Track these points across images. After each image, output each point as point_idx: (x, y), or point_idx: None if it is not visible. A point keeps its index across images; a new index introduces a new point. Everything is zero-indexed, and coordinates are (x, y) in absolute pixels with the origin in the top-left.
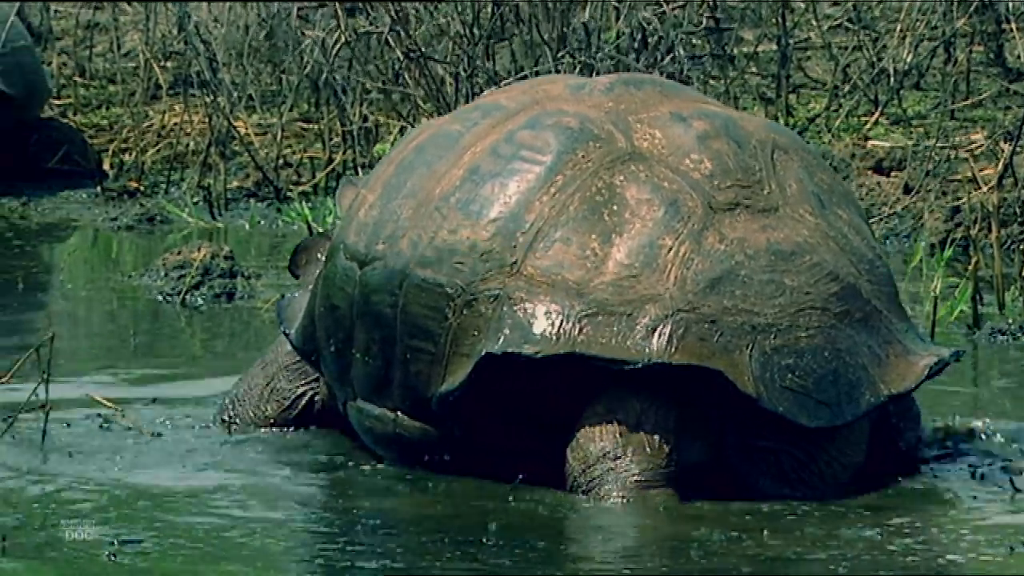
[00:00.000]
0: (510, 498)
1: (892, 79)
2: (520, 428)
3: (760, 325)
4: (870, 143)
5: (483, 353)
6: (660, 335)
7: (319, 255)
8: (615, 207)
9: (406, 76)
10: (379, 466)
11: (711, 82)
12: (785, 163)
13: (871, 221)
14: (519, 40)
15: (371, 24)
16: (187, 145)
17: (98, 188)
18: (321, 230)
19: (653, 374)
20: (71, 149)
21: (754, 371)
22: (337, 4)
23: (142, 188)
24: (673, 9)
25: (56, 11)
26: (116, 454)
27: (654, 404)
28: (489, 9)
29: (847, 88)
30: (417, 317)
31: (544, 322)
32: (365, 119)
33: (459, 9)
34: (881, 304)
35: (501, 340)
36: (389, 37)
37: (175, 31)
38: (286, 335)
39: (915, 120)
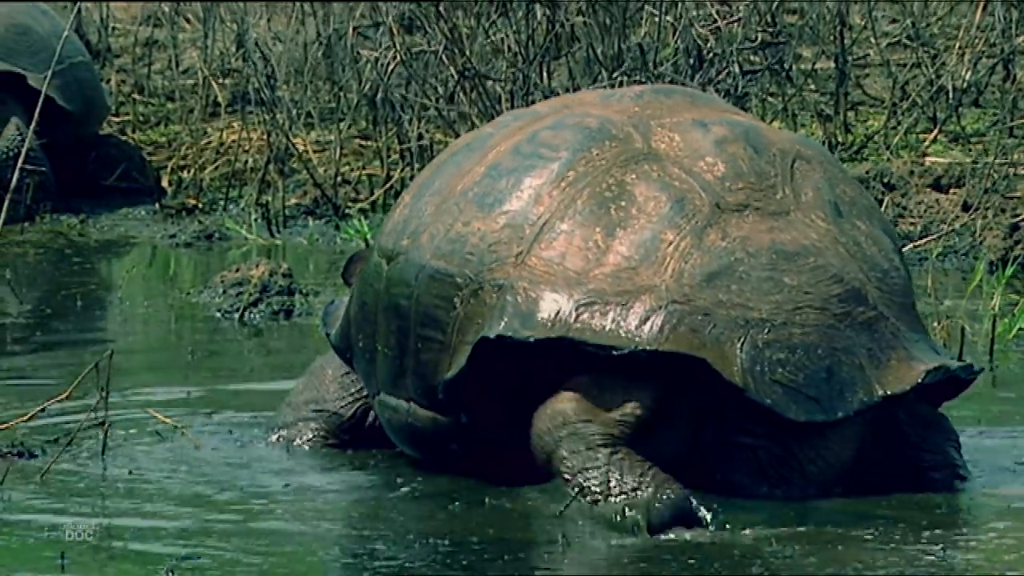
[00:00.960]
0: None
1: (951, 96)
2: (523, 416)
3: (754, 320)
4: (928, 160)
5: (480, 337)
6: (652, 324)
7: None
8: (623, 203)
9: (461, 94)
10: (433, 482)
11: (769, 99)
12: (805, 172)
13: (929, 238)
14: (575, 57)
15: (427, 43)
16: (245, 162)
17: (157, 205)
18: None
19: (641, 362)
20: (130, 166)
21: (743, 362)
22: (392, 23)
23: (200, 205)
24: (728, 25)
25: (114, 28)
26: (175, 470)
27: (633, 386)
28: (544, 27)
29: (905, 105)
30: (429, 307)
31: (542, 309)
32: (422, 136)
33: (514, 27)
34: (890, 311)
35: (500, 326)
36: (444, 55)
37: (233, 48)
38: (327, 335)
39: (974, 137)
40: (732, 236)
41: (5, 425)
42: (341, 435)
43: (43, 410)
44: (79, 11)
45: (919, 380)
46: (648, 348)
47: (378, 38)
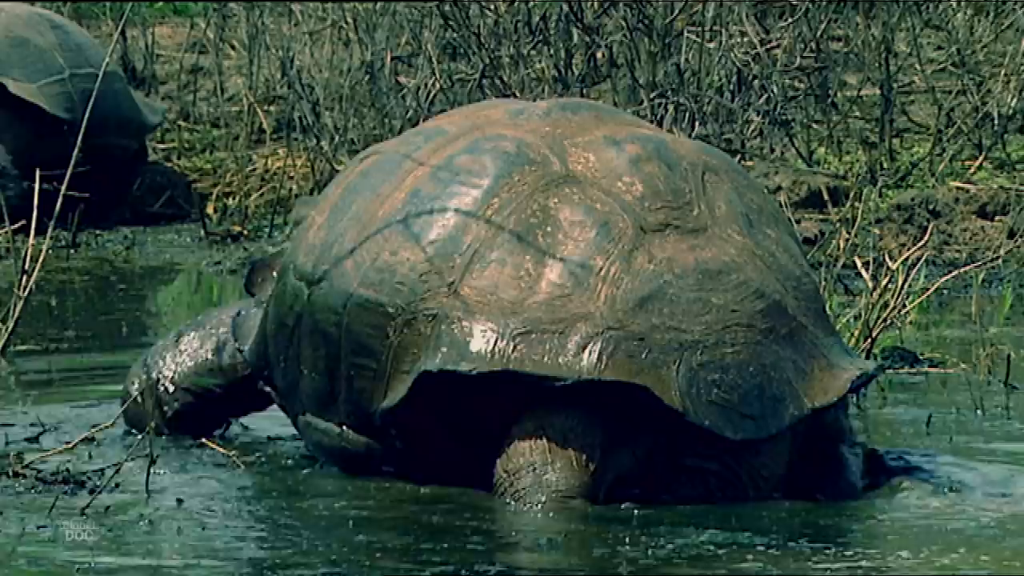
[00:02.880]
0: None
1: (996, 123)
2: (458, 441)
3: (687, 342)
4: (974, 188)
5: (421, 370)
6: (590, 352)
7: (274, 273)
8: (549, 228)
9: None
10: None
11: (814, 126)
12: (715, 184)
13: (974, 265)
14: (615, 83)
15: (470, 69)
16: (290, 189)
17: (202, 232)
18: (274, 249)
19: (584, 390)
20: (175, 193)
21: (680, 386)
22: (433, 50)
23: (245, 232)
24: (768, 50)
25: (159, 55)
26: (226, 500)
27: (582, 420)
28: (583, 53)
29: (951, 132)
30: (360, 335)
31: (479, 340)
32: None
33: (553, 54)
34: (807, 320)
35: (438, 358)
36: (484, 82)
37: (278, 75)
38: (240, 352)
39: (1019, 164)
40: (658, 258)
41: (50, 453)
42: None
43: (90, 439)
44: (123, 36)
45: (844, 391)
46: (588, 377)
47: (420, 64)
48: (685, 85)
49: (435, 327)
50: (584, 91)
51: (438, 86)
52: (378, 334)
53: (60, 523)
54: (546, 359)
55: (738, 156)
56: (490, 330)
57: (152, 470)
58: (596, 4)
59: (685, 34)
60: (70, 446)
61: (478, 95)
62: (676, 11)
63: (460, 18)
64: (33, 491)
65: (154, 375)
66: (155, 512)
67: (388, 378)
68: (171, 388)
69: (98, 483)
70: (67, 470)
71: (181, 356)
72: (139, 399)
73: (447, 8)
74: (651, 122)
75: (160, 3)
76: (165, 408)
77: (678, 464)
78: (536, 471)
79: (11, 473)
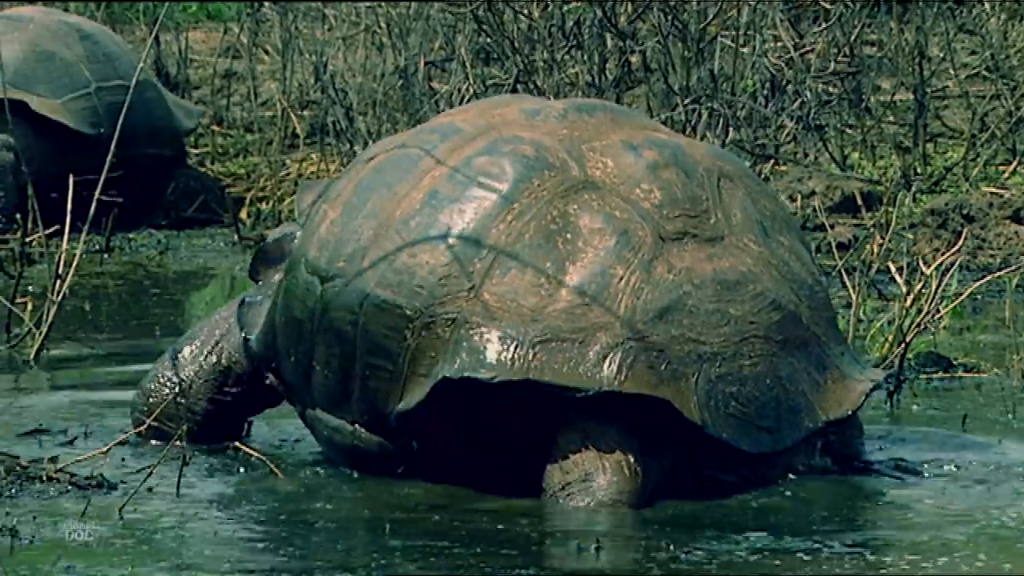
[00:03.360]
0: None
1: None
2: (474, 445)
3: (706, 354)
4: (1008, 192)
5: (440, 377)
6: (610, 363)
7: (279, 261)
8: (569, 235)
9: None
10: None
11: (848, 131)
12: (731, 191)
13: (1008, 270)
14: (650, 88)
15: (504, 74)
16: None
17: (235, 236)
18: (278, 235)
19: (604, 401)
20: (208, 198)
21: (699, 399)
22: (466, 56)
23: None
24: (802, 55)
25: (193, 60)
26: (255, 504)
27: (622, 430)
28: (616, 58)
29: (984, 137)
30: (377, 336)
31: (499, 347)
32: None
33: (586, 59)
34: (819, 330)
35: (457, 364)
36: (518, 87)
37: (311, 80)
38: (246, 340)
39: None
40: (677, 268)
41: (83, 457)
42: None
43: (123, 443)
44: (157, 41)
45: (858, 404)
46: (608, 389)
47: (454, 69)
48: (719, 90)
49: (454, 332)
50: (618, 96)
51: (472, 91)
52: (395, 336)
53: (90, 523)
54: (566, 368)
55: (772, 161)
56: (510, 337)
57: (184, 473)
58: (630, 9)
59: (719, 39)
60: (103, 450)
61: None
62: (711, 16)
63: (494, 23)
64: (66, 495)
65: (164, 393)
66: (186, 515)
67: (404, 380)
68: (183, 401)
69: (131, 487)
70: (100, 474)
71: (185, 369)
72: (145, 419)
73: (481, 13)
74: (685, 127)
75: (194, 8)
76: (184, 423)
77: (697, 475)
78: (588, 478)
79: (44, 477)
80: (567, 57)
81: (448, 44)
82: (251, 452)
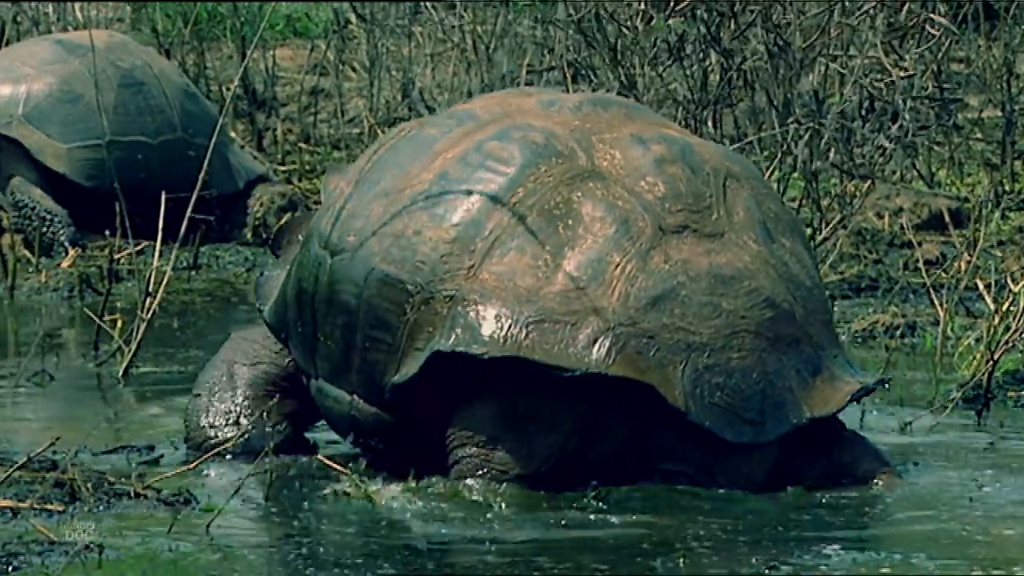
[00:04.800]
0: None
1: None
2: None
3: (695, 344)
4: None
5: (434, 349)
6: (600, 346)
7: (300, 237)
8: (570, 221)
9: None
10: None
11: (935, 148)
12: (736, 191)
13: None
14: (745, 105)
15: (594, 89)
16: None
17: None
18: (303, 214)
19: (590, 381)
20: (296, 215)
21: (685, 387)
22: (565, 70)
23: None
24: (901, 77)
25: (280, 77)
26: (345, 521)
27: (563, 405)
28: (717, 74)
29: None
30: (378, 309)
31: (493, 325)
32: None
33: (686, 74)
34: (813, 330)
35: (452, 339)
36: None
37: (399, 97)
38: (260, 311)
39: None
40: (674, 259)
41: (171, 473)
42: (280, 383)
43: (209, 458)
44: (245, 60)
45: (844, 403)
46: (596, 371)
47: (545, 84)
48: (820, 109)
49: (451, 308)
50: (718, 112)
51: None
52: (396, 310)
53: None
54: (556, 349)
55: (868, 181)
56: (504, 315)
57: (271, 489)
58: (733, 26)
59: (819, 58)
60: (191, 466)
61: None
62: (815, 34)
63: (598, 36)
64: (154, 511)
65: (212, 422)
66: (273, 532)
67: (402, 353)
68: (230, 423)
69: (218, 503)
70: (187, 490)
71: (223, 395)
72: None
73: (585, 25)
74: (784, 145)
75: (281, 25)
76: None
77: (652, 467)
78: (486, 446)
79: (132, 493)
80: (668, 72)
81: (543, 58)
82: (336, 468)
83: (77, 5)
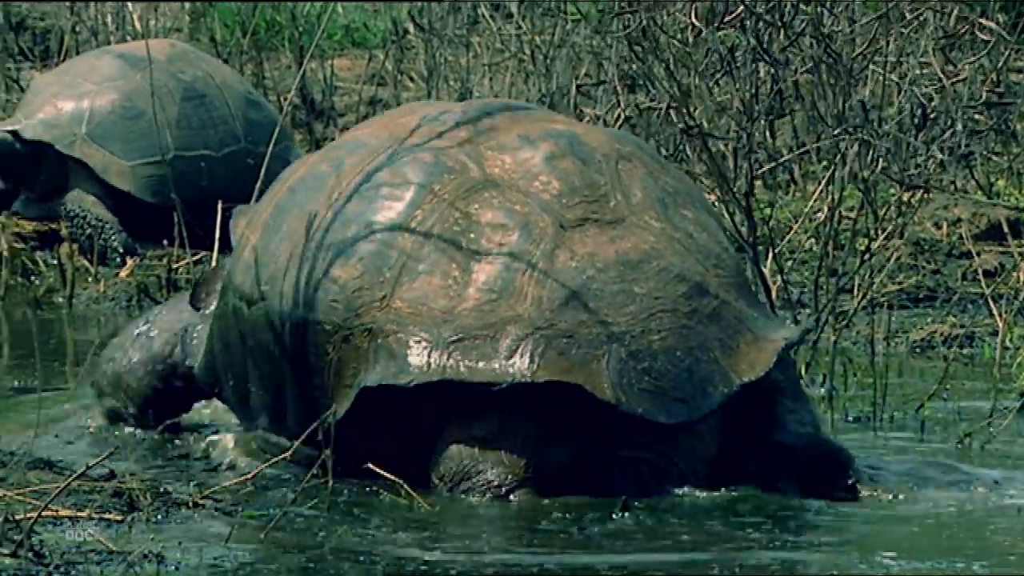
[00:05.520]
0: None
1: None
2: (406, 444)
3: (614, 334)
4: None
5: (361, 385)
6: (522, 354)
7: (218, 287)
8: (472, 235)
9: (686, 152)
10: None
11: (994, 158)
12: (630, 172)
13: None
14: (801, 116)
15: (651, 100)
16: None
17: None
18: (218, 264)
19: (520, 391)
20: None
21: (612, 378)
22: (618, 81)
23: None
24: (953, 84)
25: (338, 87)
26: (399, 528)
27: (513, 416)
28: (769, 85)
29: None
30: (301, 354)
31: (415, 352)
32: None
33: (739, 85)
34: (730, 296)
35: (377, 372)
36: (670, 113)
37: None
38: (189, 368)
39: None
40: (580, 254)
41: (229, 483)
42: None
43: (269, 467)
44: (303, 71)
45: (771, 363)
46: (522, 380)
47: (600, 96)
48: (870, 120)
49: (371, 341)
50: (771, 123)
51: (622, 116)
52: (318, 351)
53: (236, 547)
54: (480, 364)
55: (922, 191)
56: (424, 340)
57: (329, 497)
58: (783, 37)
59: (871, 67)
60: (249, 476)
61: (664, 126)
62: (864, 44)
63: (649, 48)
64: (212, 520)
65: (116, 368)
66: (330, 541)
67: (332, 393)
68: (133, 382)
69: (276, 512)
70: (245, 499)
71: (139, 351)
72: (105, 392)
73: (636, 36)
74: (834, 157)
75: (339, 35)
76: (134, 397)
77: (612, 456)
78: (469, 474)
79: (190, 503)
80: (720, 83)
81: (599, 69)
82: (387, 476)
83: (136, 15)
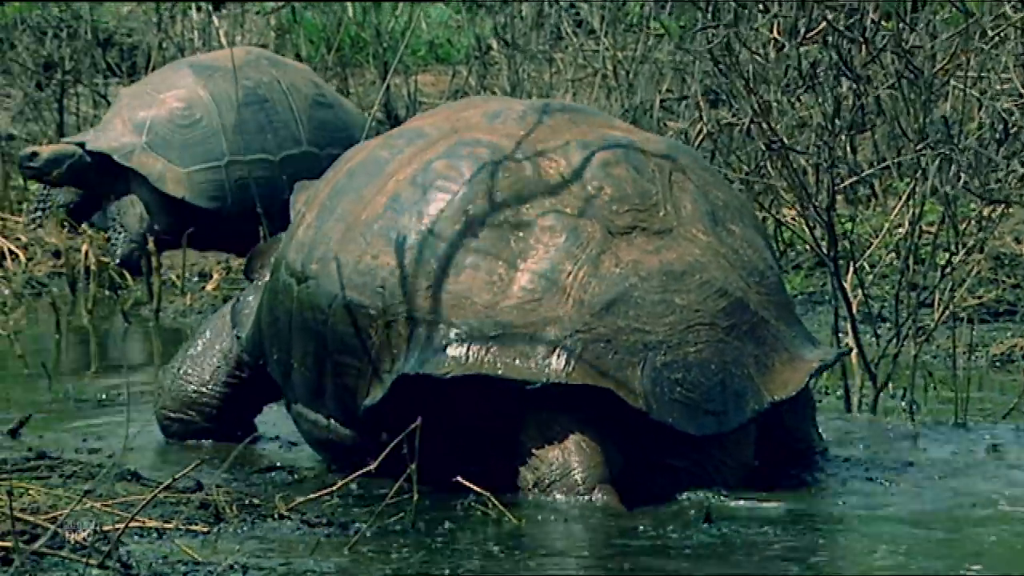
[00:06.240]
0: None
1: None
2: (442, 434)
3: (651, 343)
4: None
5: (399, 373)
6: (558, 356)
7: (271, 260)
8: (521, 233)
9: (768, 167)
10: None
11: None
12: (682, 184)
13: None
14: (882, 131)
15: (733, 115)
16: None
17: None
18: (275, 237)
19: (554, 392)
20: None
21: (644, 386)
22: (700, 96)
23: None
24: None
25: (422, 103)
26: (490, 543)
27: (578, 421)
28: (851, 101)
29: None
30: (344, 335)
31: (454, 344)
32: None
33: (820, 100)
34: (769, 314)
35: (414, 360)
36: (752, 128)
37: None
38: (238, 339)
39: None
40: (624, 261)
41: (315, 495)
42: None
43: (352, 481)
44: (387, 86)
45: (803, 384)
46: (556, 380)
47: (683, 111)
48: (951, 135)
49: (413, 329)
50: (852, 138)
51: (704, 131)
52: (361, 334)
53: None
54: (517, 362)
55: (1004, 206)
56: (464, 334)
57: (414, 513)
58: (865, 53)
59: (952, 83)
60: (335, 488)
61: (747, 141)
62: (945, 60)
63: (730, 63)
64: (298, 533)
65: (179, 385)
66: (414, 554)
67: (371, 377)
68: (202, 390)
69: (360, 526)
70: (332, 512)
71: (199, 360)
72: (172, 413)
73: (718, 52)
74: (915, 172)
75: (423, 51)
76: (204, 409)
77: (651, 462)
78: (557, 472)
79: (276, 515)
80: (802, 99)
81: (682, 84)
82: (474, 488)
83: (222, 31)
